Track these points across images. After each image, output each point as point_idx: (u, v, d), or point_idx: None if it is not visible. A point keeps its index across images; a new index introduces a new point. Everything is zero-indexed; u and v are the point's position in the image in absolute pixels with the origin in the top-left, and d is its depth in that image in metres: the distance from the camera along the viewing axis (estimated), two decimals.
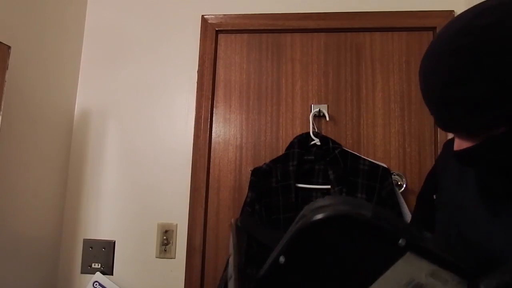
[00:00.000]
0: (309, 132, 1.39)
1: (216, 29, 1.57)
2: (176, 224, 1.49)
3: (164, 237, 1.48)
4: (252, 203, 1.35)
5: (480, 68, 0.49)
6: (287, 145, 1.42)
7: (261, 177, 1.37)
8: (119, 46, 1.63)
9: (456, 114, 0.53)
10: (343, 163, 1.32)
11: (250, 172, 1.41)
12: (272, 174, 1.36)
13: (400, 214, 1.29)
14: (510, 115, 0.49)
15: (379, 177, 1.31)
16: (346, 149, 1.38)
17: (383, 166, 1.33)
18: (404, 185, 1.41)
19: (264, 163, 1.40)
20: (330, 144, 1.36)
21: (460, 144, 0.58)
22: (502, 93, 0.48)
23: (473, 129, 0.53)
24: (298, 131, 1.48)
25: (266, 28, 1.55)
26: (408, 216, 1.33)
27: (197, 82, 1.55)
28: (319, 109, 1.46)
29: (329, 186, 1.32)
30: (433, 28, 1.48)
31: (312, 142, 1.38)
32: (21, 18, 1.29)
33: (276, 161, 1.39)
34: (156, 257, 1.48)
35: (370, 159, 1.36)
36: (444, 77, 0.53)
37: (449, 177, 0.76)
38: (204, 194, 1.48)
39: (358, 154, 1.37)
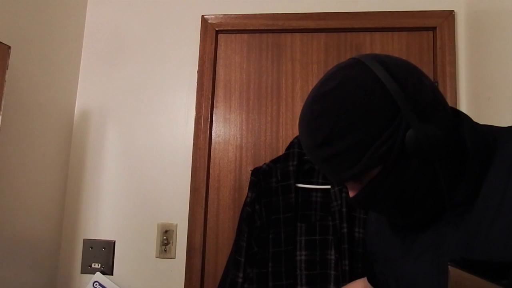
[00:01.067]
0: None
1: (216, 29, 1.57)
2: (176, 224, 1.49)
3: (164, 237, 1.48)
4: (252, 203, 1.35)
5: (339, 126, 0.58)
6: (287, 145, 1.42)
7: (261, 177, 1.37)
8: (119, 46, 1.63)
9: (335, 168, 0.60)
10: None
11: (250, 172, 1.41)
12: (272, 174, 1.36)
13: None
14: (377, 156, 0.57)
15: None
16: None
17: None
18: None
19: (264, 163, 1.40)
20: None
21: (352, 192, 0.65)
22: (363, 142, 0.57)
23: (353, 177, 0.60)
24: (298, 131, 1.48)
25: (266, 28, 1.55)
26: None
27: (197, 82, 1.55)
28: None
29: (329, 186, 1.32)
30: (433, 28, 1.48)
31: None
32: (21, 18, 1.29)
33: (276, 161, 1.39)
34: (156, 257, 1.49)
35: None
36: (315, 140, 0.60)
37: (371, 225, 0.85)
38: (204, 194, 1.48)
39: None
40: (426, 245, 0.65)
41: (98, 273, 1.48)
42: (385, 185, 0.59)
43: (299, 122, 0.65)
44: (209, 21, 1.57)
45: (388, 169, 0.58)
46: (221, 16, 1.57)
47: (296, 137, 1.40)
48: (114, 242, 1.51)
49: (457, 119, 0.63)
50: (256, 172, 1.39)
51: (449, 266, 0.53)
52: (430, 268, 0.63)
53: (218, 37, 1.59)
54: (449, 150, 0.59)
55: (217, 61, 1.58)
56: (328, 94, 0.60)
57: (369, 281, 0.90)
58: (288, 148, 1.40)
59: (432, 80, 1.45)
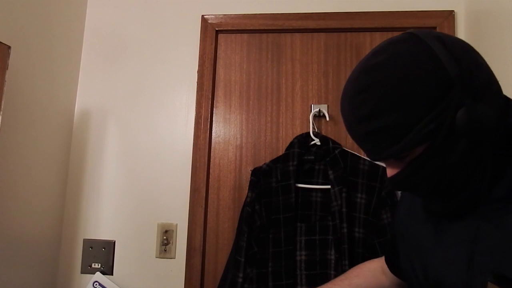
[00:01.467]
0: (309, 132, 1.39)
1: (216, 29, 1.57)
2: (176, 224, 1.49)
3: (164, 237, 1.48)
4: (252, 203, 1.35)
5: (386, 100, 0.55)
6: (287, 145, 1.42)
7: (261, 177, 1.37)
8: (119, 46, 1.63)
9: (378, 144, 0.58)
10: (343, 163, 1.32)
11: (250, 172, 1.41)
12: (272, 174, 1.36)
13: None
14: (424, 134, 0.54)
15: (379, 177, 1.31)
16: (346, 149, 1.38)
17: (383, 166, 1.33)
18: None
19: (264, 163, 1.40)
20: (330, 144, 1.36)
21: (391, 171, 0.62)
22: (410, 118, 0.54)
23: (396, 154, 0.57)
24: (298, 131, 1.48)
25: (266, 28, 1.54)
26: None
27: (197, 82, 1.55)
28: (319, 109, 1.46)
29: (329, 186, 1.32)
30: (433, 28, 1.48)
31: (312, 142, 1.38)
32: (21, 18, 1.29)
33: (276, 161, 1.39)
34: (156, 257, 1.49)
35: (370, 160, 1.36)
36: (359, 114, 0.58)
37: (403, 207, 0.82)
38: (204, 194, 1.48)
39: (358, 154, 1.37)
40: (461, 237, 0.62)
41: (98, 273, 1.48)
42: (429, 165, 0.57)
43: (342, 96, 0.62)
44: (209, 21, 1.57)
45: (435, 148, 0.55)
46: (221, 16, 1.57)
47: (296, 137, 1.40)
48: (114, 242, 1.51)
49: (509, 107, 0.60)
50: (256, 172, 1.39)
51: (488, 283, 0.51)
52: (462, 262, 0.60)
53: (218, 37, 1.58)
54: (498, 135, 0.56)
55: (217, 61, 1.58)
56: (376, 67, 0.57)
57: (387, 261, 0.88)
58: (288, 148, 1.40)
59: None
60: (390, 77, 0.55)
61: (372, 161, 0.63)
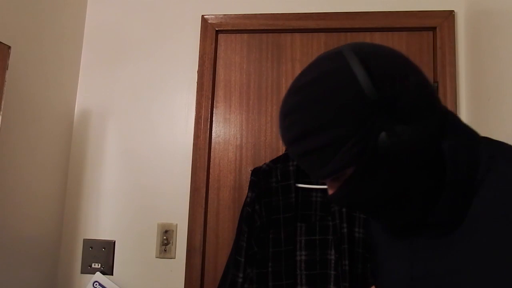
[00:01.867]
0: None
1: (216, 29, 1.57)
2: (176, 224, 1.49)
3: (164, 237, 1.48)
4: (252, 203, 1.35)
5: (312, 123, 0.55)
6: None
7: (261, 177, 1.37)
8: (119, 46, 1.63)
9: (310, 165, 0.58)
10: None
11: (250, 172, 1.41)
12: (272, 174, 1.36)
13: None
14: (349, 156, 0.54)
15: None
16: None
17: None
18: None
19: (264, 163, 1.39)
20: None
21: (330, 189, 0.62)
22: (335, 141, 0.54)
23: (328, 176, 0.57)
24: None
25: (266, 28, 1.54)
26: None
27: (197, 82, 1.55)
28: None
29: None
30: (433, 28, 1.48)
31: None
32: (21, 18, 1.29)
33: (276, 161, 1.39)
34: (156, 257, 1.49)
35: None
36: (289, 136, 0.58)
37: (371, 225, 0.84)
38: (204, 194, 1.48)
39: None
40: (403, 256, 0.63)
41: (98, 273, 1.48)
42: (358, 187, 0.57)
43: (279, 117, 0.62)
44: (209, 21, 1.57)
45: (361, 170, 0.55)
46: (221, 16, 1.57)
47: None
48: (114, 242, 1.51)
49: (446, 125, 0.58)
50: (256, 172, 1.39)
51: None
52: (402, 282, 0.63)
53: (218, 37, 1.59)
54: (427, 159, 0.55)
55: (217, 61, 1.58)
56: (303, 88, 0.57)
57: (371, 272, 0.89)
58: (287, 148, 1.39)
59: (432, 79, 1.45)
60: (315, 99, 0.55)
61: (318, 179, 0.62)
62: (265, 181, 1.36)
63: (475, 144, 0.58)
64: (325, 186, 1.34)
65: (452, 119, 0.59)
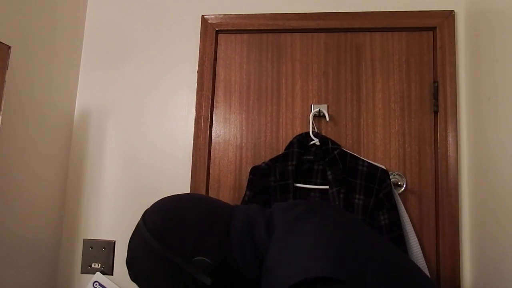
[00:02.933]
0: (309, 132, 1.39)
1: (216, 29, 1.57)
2: None
3: None
4: (249, 201, 1.35)
5: (139, 269, 0.78)
6: (287, 145, 1.42)
7: (259, 175, 1.37)
8: (119, 46, 1.63)
9: None
10: (342, 163, 1.32)
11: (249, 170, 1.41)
12: (270, 173, 1.36)
13: (397, 215, 1.29)
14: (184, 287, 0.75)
15: (377, 178, 1.31)
16: (346, 150, 1.38)
17: (382, 168, 1.33)
18: (404, 185, 1.41)
19: (263, 162, 1.40)
20: (330, 144, 1.36)
21: None
22: None
23: None
24: (298, 131, 1.48)
25: (266, 28, 1.54)
26: (405, 217, 1.33)
27: (197, 82, 1.55)
28: (319, 109, 1.46)
29: (327, 187, 1.32)
30: (433, 28, 1.48)
31: (312, 142, 1.38)
32: (21, 18, 1.29)
33: (275, 160, 1.39)
34: None
35: (369, 161, 1.36)
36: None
37: None
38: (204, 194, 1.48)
39: (357, 155, 1.37)
40: None
41: (98, 273, 1.48)
42: None
43: None
44: (209, 21, 1.57)
45: None
46: (221, 16, 1.57)
47: (296, 137, 1.40)
48: (114, 242, 1.51)
49: (228, 240, 0.76)
50: (254, 170, 1.39)
51: None
52: None
53: (218, 37, 1.58)
54: (223, 268, 0.74)
55: (217, 61, 1.58)
56: (129, 265, 0.79)
57: None
58: (287, 148, 1.40)
59: (432, 79, 1.45)
60: (139, 272, 0.77)
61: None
62: (264, 180, 1.36)
63: (254, 241, 0.76)
64: (323, 186, 1.34)
65: (234, 227, 0.79)
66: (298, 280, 0.59)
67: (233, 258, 0.75)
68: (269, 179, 1.36)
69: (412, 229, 1.32)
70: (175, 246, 0.74)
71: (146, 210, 0.83)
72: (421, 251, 1.30)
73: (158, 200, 0.85)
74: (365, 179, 1.31)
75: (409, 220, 1.33)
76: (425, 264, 1.29)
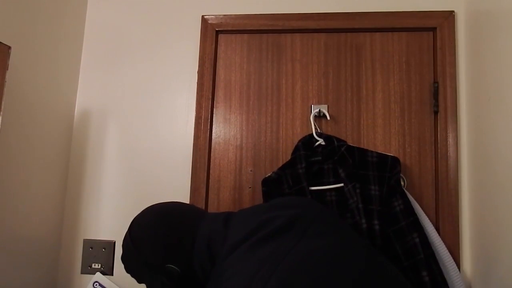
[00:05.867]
0: (312, 134, 1.39)
1: (216, 29, 1.57)
2: None
3: None
4: None
5: (127, 265, 0.96)
6: (287, 146, 1.42)
7: (271, 186, 1.36)
8: (119, 46, 1.63)
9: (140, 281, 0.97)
10: (351, 159, 1.32)
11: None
12: (282, 181, 1.35)
13: (408, 201, 1.29)
14: (154, 277, 0.90)
15: (388, 166, 1.31)
16: (352, 145, 1.38)
17: (391, 156, 1.33)
18: (404, 186, 1.41)
19: (273, 172, 1.38)
20: (335, 142, 1.36)
21: None
22: (142, 281, 0.95)
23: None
24: (299, 132, 1.48)
25: (266, 28, 1.54)
26: (415, 203, 1.32)
27: (197, 83, 1.55)
28: (319, 110, 1.46)
29: (342, 185, 1.32)
30: (433, 29, 1.48)
31: (317, 143, 1.38)
32: (21, 18, 1.29)
33: (283, 167, 1.37)
34: None
35: (377, 151, 1.36)
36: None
37: None
38: (204, 194, 1.48)
39: (364, 148, 1.37)
40: None
41: (98, 273, 1.48)
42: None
43: None
44: (209, 21, 1.57)
45: None
46: (221, 16, 1.57)
47: (300, 140, 1.40)
48: (114, 242, 1.51)
49: (191, 252, 0.87)
50: (265, 181, 1.37)
51: None
52: None
53: (218, 37, 1.58)
54: (192, 279, 0.87)
55: (217, 61, 1.58)
56: (122, 261, 0.96)
57: None
58: (293, 152, 1.39)
59: (432, 79, 1.45)
60: (125, 262, 0.96)
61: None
62: (276, 189, 1.35)
63: (212, 255, 0.85)
64: (338, 185, 1.33)
65: (199, 239, 0.89)
66: None
67: (195, 269, 0.86)
68: (282, 187, 1.34)
69: (425, 215, 1.32)
70: (149, 255, 0.89)
71: (134, 218, 0.97)
72: (437, 234, 1.30)
73: (145, 209, 0.98)
74: (377, 169, 1.31)
75: (418, 206, 1.34)
76: (444, 247, 1.29)
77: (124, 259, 0.96)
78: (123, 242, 0.96)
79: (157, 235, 0.90)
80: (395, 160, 1.32)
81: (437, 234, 1.30)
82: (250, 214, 0.88)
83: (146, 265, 0.89)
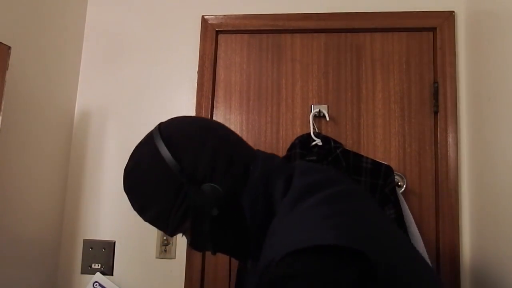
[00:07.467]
0: (310, 133, 1.39)
1: (216, 29, 1.57)
2: None
3: (164, 238, 1.48)
4: None
5: (142, 200, 0.72)
6: (287, 146, 1.42)
7: None
8: (119, 46, 1.63)
9: (159, 227, 0.75)
10: (345, 162, 1.32)
11: None
12: None
13: (401, 210, 1.28)
14: (178, 217, 0.70)
15: (382, 174, 1.31)
16: (348, 149, 1.38)
17: (385, 164, 1.33)
18: (404, 186, 1.41)
19: None
20: (332, 144, 1.36)
21: (187, 239, 0.78)
22: (164, 210, 0.71)
23: (174, 233, 0.74)
24: (298, 132, 1.48)
25: (266, 28, 1.54)
26: (409, 214, 1.32)
27: (197, 83, 1.55)
28: (319, 110, 1.46)
29: None
30: (433, 29, 1.48)
31: (314, 143, 1.38)
32: (21, 18, 1.29)
33: None
34: (156, 258, 1.48)
35: (372, 158, 1.36)
36: (134, 209, 0.75)
37: None
38: None
39: (360, 153, 1.37)
40: (246, 275, 0.81)
41: (98, 273, 1.48)
42: (197, 233, 0.72)
43: None
44: (209, 22, 1.57)
45: (193, 222, 0.71)
46: (221, 16, 1.57)
47: (297, 138, 1.40)
48: (114, 242, 1.51)
49: (246, 178, 0.72)
50: None
51: None
52: None
53: (218, 37, 1.58)
54: (231, 209, 0.70)
55: (217, 61, 1.58)
56: (129, 174, 0.73)
57: None
58: (289, 150, 1.40)
59: (432, 79, 1.45)
60: (137, 184, 0.72)
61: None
62: None
63: (274, 189, 0.70)
64: None
65: (256, 166, 0.73)
66: (307, 246, 0.53)
67: (242, 206, 0.70)
68: None
69: (415, 226, 1.32)
70: (188, 165, 0.69)
71: (161, 123, 0.76)
72: (424, 247, 1.29)
73: (177, 117, 0.78)
74: (370, 176, 1.31)
75: (411, 216, 1.33)
76: (427, 258, 1.29)
77: (134, 170, 0.72)
78: (139, 149, 0.74)
79: (204, 144, 0.70)
80: (389, 169, 1.32)
81: (425, 249, 1.28)
82: (314, 171, 0.72)
83: (172, 182, 0.68)
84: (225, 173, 0.70)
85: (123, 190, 1.56)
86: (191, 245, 0.76)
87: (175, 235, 0.75)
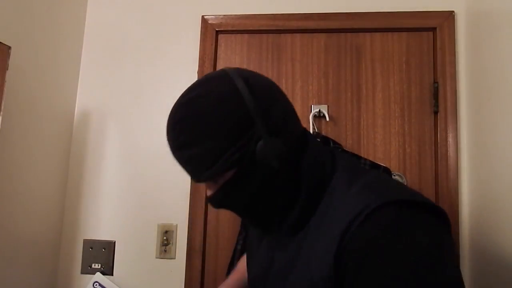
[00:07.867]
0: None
1: (216, 29, 1.57)
2: (176, 225, 1.49)
3: (164, 238, 1.48)
4: None
5: (197, 132, 0.63)
6: None
7: None
8: (119, 46, 1.63)
9: (195, 168, 0.65)
10: None
11: None
12: None
13: None
14: (230, 162, 0.62)
15: None
16: (346, 150, 1.38)
17: (384, 166, 1.33)
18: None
19: None
20: (331, 144, 1.36)
21: (209, 192, 0.69)
22: (218, 148, 0.62)
23: (210, 178, 0.65)
24: None
25: (266, 28, 1.54)
26: None
27: None
28: (319, 110, 1.46)
29: None
30: (433, 29, 1.48)
31: None
32: (21, 18, 1.29)
33: None
34: (156, 258, 1.48)
35: (370, 159, 1.36)
36: (177, 142, 0.65)
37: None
38: (204, 195, 1.48)
39: (358, 155, 1.37)
40: (268, 246, 0.75)
41: (98, 273, 1.48)
42: (236, 188, 0.65)
43: (166, 123, 0.69)
44: (209, 22, 1.57)
45: (240, 174, 0.63)
46: (221, 16, 1.57)
47: None
48: (114, 242, 1.51)
49: (304, 145, 0.68)
50: None
51: None
52: (264, 268, 0.74)
53: (218, 37, 1.58)
54: (290, 168, 0.65)
55: (217, 61, 1.58)
56: (190, 101, 0.64)
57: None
58: None
59: (432, 79, 1.45)
60: (200, 112, 0.62)
61: (196, 181, 0.69)
62: None
63: (327, 162, 0.68)
64: None
65: (310, 137, 0.70)
66: (405, 199, 0.55)
67: (300, 170, 0.66)
68: None
69: None
70: (264, 109, 0.63)
71: (237, 67, 0.70)
72: None
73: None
74: None
75: None
76: None
77: (192, 102, 0.64)
78: (206, 82, 0.66)
79: (282, 98, 0.67)
80: (386, 170, 1.32)
81: None
82: (349, 155, 0.72)
83: (237, 126, 0.62)
84: (291, 133, 0.66)
85: (123, 190, 1.56)
86: (213, 200, 0.68)
87: (204, 182, 0.67)
